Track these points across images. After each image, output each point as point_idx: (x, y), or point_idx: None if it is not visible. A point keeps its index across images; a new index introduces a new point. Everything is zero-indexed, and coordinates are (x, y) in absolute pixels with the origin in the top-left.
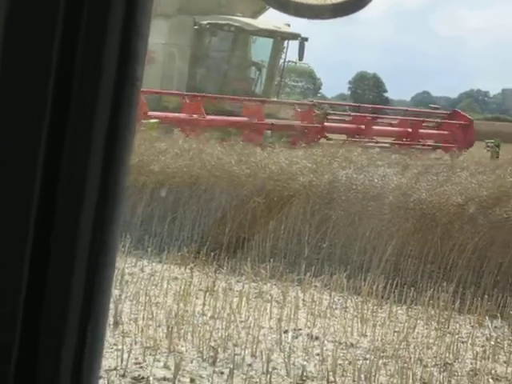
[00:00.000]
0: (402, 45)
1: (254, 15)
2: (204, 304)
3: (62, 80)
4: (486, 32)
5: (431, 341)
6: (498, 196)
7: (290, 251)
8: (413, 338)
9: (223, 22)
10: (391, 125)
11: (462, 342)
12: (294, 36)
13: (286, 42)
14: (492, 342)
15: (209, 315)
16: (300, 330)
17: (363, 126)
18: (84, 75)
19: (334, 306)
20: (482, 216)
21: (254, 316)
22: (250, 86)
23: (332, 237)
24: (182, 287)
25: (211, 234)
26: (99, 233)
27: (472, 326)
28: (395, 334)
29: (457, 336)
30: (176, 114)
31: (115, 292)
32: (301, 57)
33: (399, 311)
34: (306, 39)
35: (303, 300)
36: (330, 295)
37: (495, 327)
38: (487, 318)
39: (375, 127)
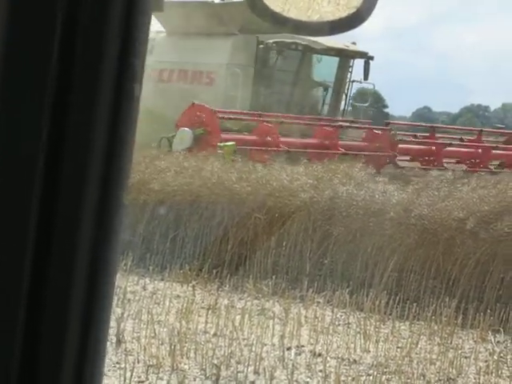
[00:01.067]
0: (401, 61)
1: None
2: (206, 322)
3: (58, 98)
4: (484, 46)
5: (434, 356)
6: None
7: (291, 268)
8: (416, 353)
9: (290, 41)
10: (462, 146)
11: (465, 357)
12: (362, 55)
13: (352, 60)
14: (495, 357)
15: (211, 333)
16: (303, 346)
17: (434, 148)
18: (81, 92)
19: (336, 323)
20: None
21: (257, 333)
22: (316, 107)
23: (334, 253)
24: (185, 305)
25: (213, 251)
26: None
27: (475, 341)
28: (398, 349)
29: (460, 351)
30: (249, 136)
31: (117, 310)
32: (366, 76)
33: (402, 327)
34: (372, 58)
35: (306, 317)
36: (333, 311)
37: (498, 342)
38: (490, 332)
39: (447, 149)
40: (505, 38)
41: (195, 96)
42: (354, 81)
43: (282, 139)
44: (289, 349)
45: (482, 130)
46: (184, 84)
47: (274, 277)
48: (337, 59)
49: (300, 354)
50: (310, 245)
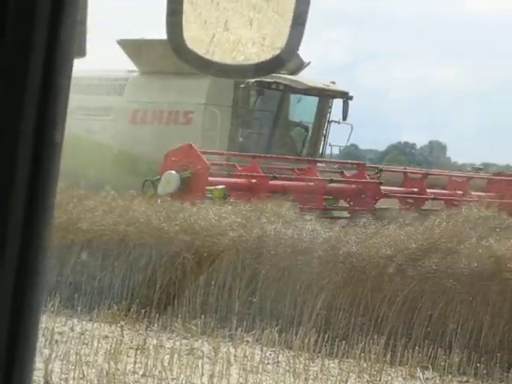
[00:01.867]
0: None
1: (292, 73)
2: (135, 362)
3: None
4: (411, 84)
5: None
6: None
7: (220, 307)
8: None
9: (271, 81)
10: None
11: None
12: (342, 94)
13: (331, 100)
14: None
15: (140, 373)
16: None
17: (416, 189)
18: (1, 138)
19: (266, 361)
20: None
21: (186, 373)
22: (295, 148)
23: (262, 291)
24: (113, 345)
25: (141, 291)
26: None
27: (404, 378)
28: None
29: None
30: (235, 179)
31: (45, 351)
32: (345, 116)
33: (331, 364)
34: (351, 98)
35: (235, 356)
36: (262, 350)
37: (426, 378)
38: (419, 369)
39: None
40: (434, 75)
41: (172, 137)
42: (332, 121)
43: (271, 182)
44: None
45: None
46: (159, 124)
47: (202, 316)
48: (316, 99)
49: None
50: (239, 283)
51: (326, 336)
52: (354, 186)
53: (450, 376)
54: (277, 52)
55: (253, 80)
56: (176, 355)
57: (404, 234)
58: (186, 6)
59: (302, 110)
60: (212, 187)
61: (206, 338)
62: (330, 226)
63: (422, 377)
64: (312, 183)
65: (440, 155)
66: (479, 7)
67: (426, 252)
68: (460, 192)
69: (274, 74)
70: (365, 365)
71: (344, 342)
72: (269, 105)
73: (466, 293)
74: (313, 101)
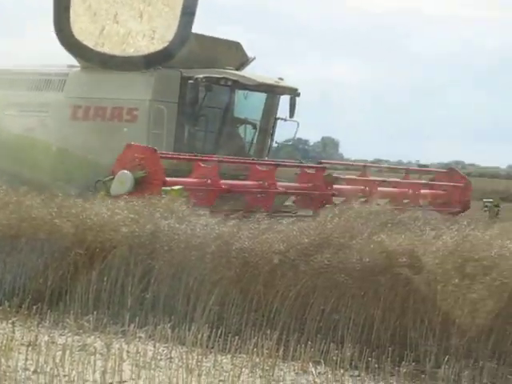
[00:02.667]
0: None
1: (238, 69)
2: (27, 359)
3: None
4: (304, 82)
5: None
6: None
7: (113, 303)
8: None
9: (219, 76)
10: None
11: None
12: (291, 91)
13: (279, 97)
14: None
15: (31, 370)
16: (125, 382)
17: (367, 188)
18: None
19: (158, 357)
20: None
21: (78, 369)
22: (242, 147)
23: (155, 287)
24: (4, 342)
25: (33, 287)
26: None
27: (296, 373)
28: (220, 382)
29: (281, 383)
30: (191, 180)
31: None
32: (292, 113)
33: (224, 360)
34: (299, 94)
35: (127, 352)
36: (155, 346)
37: (319, 373)
38: (311, 364)
39: (380, 189)
40: (327, 73)
41: (116, 134)
42: (278, 118)
43: (223, 181)
44: None
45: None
46: (102, 121)
47: (95, 312)
48: (264, 96)
49: None
50: (132, 279)
51: (219, 332)
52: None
53: (342, 370)
54: (166, 44)
55: (201, 75)
56: (68, 351)
57: (297, 229)
58: None
59: (250, 106)
60: (168, 188)
61: (98, 334)
62: (224, 221)
63: (314, 371)
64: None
65: (333, 151)
66: (375, 9)
67: (318, 247)
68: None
69: (222, 70)
70: (257, 360)
71: (237, 337)
72: (217, 101)
73: (358, 288)
74: (261, 97)
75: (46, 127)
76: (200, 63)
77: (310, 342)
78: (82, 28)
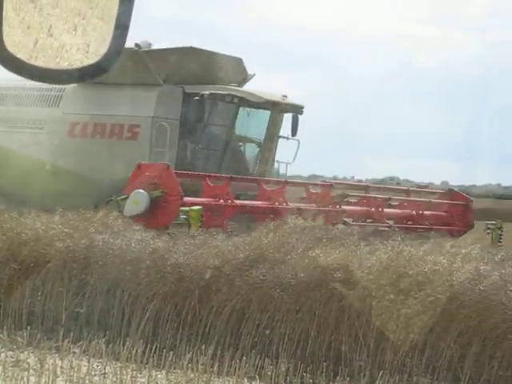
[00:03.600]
0: None
1: (238, 85)
2: None
3: None
4: None
5: None
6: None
7: (47, 318)
8: None
9: (225, 93)
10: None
11: None
12: (297, 108)
13: (283, 115)
14: None
15: None
16: None
17: (373, 209)
18: None
19: (92, 373)
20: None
21: None
22: (246, 165)
23: (90, 302)
24: None
25: None
26: None
27: None
28: None
29: None
30: (208, 199)
31: None
32: (295, 131)
33: (159, 375)
34: (302, 112)
35: (61, 367)
36: (89, 361)
37: None
38: (246, 379)
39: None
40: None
41: (117, 152)
42: (280, 136)
43: (238, 202)
44: None
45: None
46: (101, 139)
47: (28, 327)
48: (268, 113)
49: None
50: (66, 294)
51: (154, 347)
52: None
53: None
54: (100, 57)
55: (207, 92)
56: (1, 367)
57: (232, 244)
58: (8, 11)
59: (253, 124)
60: (187, 208)
61: (31, 350)
62: (159, 236)
63: None
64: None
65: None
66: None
67: (253, 262)
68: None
69: (226, 86)
70: (192, 375)
71: (172, 352)
72: (221, 119)
73: (293, 303)
74: (264, 115)
75: (41, 144)
76: (201, 79)
77: (244, 358)
78: (16, 41)
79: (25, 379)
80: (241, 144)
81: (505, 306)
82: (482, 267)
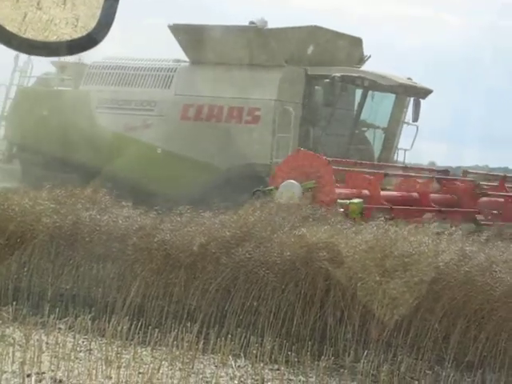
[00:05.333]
0: None
1: (355, 66)
2: None
3: None
4: None
5: (175, 381)
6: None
7: (33, 293)
8: (157, 379)
9: (356, 75)
10: None
11: (206, 382)
12: (428, 92)
13: (409, 99)
14: (236, 382)
15: None
16: (43, 373)
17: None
18: None
19: (78, 349)
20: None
21: None
22: (371, 152)
23: (76, 278)
24: None
25: None
26: None
27: (216, 366)
28: (140, 375)
29: (201, 376)
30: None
31: None
32: (416, 117)
33: (144, 352)
34: (424, 97)
35: (47, 343)
36: (75, 337)
37: (239, 366)
38: (231, 357)
39: None
40: None
41: (235, 137)
42: (404, 122)
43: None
44: (29, 375)
45: None
46: (217, 122)
47: (14, 303)
48: (393, 97)
49: (40, 381)
50: (52, 270)
51: (139, 324)
52: None
53: (261, 364)
54: (89, 31)
55: (338, 74)
56: None
57: (218, 222)
58: None
59: (377, 108)
60: (345, 200)
61: (17, 325)
62: (146, 213)
63: (234, 365)
64: None
65: None
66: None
67: (239, 240)
68: None
69: (354, 68)
70: (177, 353)
71: (157, 330)
72: (348, 102)
73: (279, 281)
74: (389, 99)
75: (150, 127)
76: (322, 60)
77: (230, 336)
78: (5, 14)
79: (10, 354)
80: (365, 129)
81: (490, 287)
82: (467, 248)
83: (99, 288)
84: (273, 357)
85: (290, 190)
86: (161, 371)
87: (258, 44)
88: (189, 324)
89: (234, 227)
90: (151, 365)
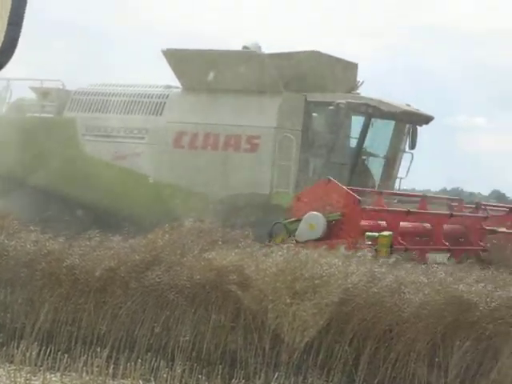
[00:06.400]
0: None
1: (348, 92)
2: None
3: None
4: None
5: None
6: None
7: None
8: None
9: (360, 102)
10: None
11: None
12: (429, 119)
13: (409, 126)
14: None
15: None
16: None
17: None
18: None
19: None
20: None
21: None
22: (373, 181)
23: None
24: None
25: None
26: None
27: None
28: None
29: None
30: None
31: None
32: (413, 145)
33: (53, 378)
34: (421, 124)
35: None
36: None
37: None
38: (141, 382)
39: None
40: None
41: (233, 166)
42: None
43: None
44: None
45: None
46: (214, 151)
47: None
48: (392, 124)
49: None
50: None
51: (49, 350)
52: None
53: None
54: None
55: (343, 101)
56: None
57: (128, 246)
58: None
59: (377, 136)
60: (373, 233)
61: None
62: (55, 237)
63: None
64: None
65: None
66: None
67: (149, 264)
68: None
69: (356, 95)
70: (87, 378)
71: (66, 355)
72: (352, 129)
73: (189, 305)
74: (389, 125)
75: (141, 155)
76: (320, 86)
77: (140, 360)
78: None
79: None
80: (365, 157)
81: (398, 308)
82: (376, 269)
83: (7, 313)
84: (183, 381)
85: (312, 222)
86: None
87: (256, 69)
88: (98, 349)
89: (144, 251)
90: None
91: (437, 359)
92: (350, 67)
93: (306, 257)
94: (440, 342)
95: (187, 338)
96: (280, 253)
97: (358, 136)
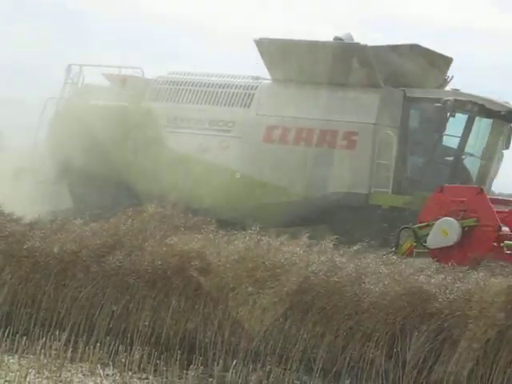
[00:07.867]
0: None
1: (439, 88)
2: None
3: None
4: None
5: None
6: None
7: None
8: None
9: (466, 100)
10: None
11: None
12: None
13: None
14: None
15: None
16: None
17: None
18: None
19: None
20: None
21: None
22: (472, 182)
23: None
24: None
25: None
26: None
27: (84, 375)
28: (6, 383)
29: None
30: None
31: None
32: (508, 144)
33: (11, 360)
34: None
35: None
36: None
37: (107, 375)
38: (99, 366)
39: None
40: None
41: (327, 163)
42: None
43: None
44: None
45: None
46: (307, 147)
47: None
48: (490, 122)
49: None
50: None
51: (7, 332)
52: None
53: (130, 373)
54: None
55: (451, 98)
56: None
57: (89, 230)
58: None
59: (476, 135)
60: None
61: None
62: (16, 220)
63: (102, 373)
64: None
65: None
66: None
67: (110, 248)
68: None
69: (460, 92)
70: (45, 361)
71: (25, 337)
72: (455, 128)
73: (149, 290)
74: (486, 124)
75: (227, 149)
76: (415, 80)
77: (98, 344)
78: None
79: None
80: (464, 157)
81: (358, 298)
82: (337, 259)
83: None
84: (141, 366)
85: (445, 228)
86: (28, 379)
87: (357, 62)
88: (57, 332)
89: (105, 235)
90: (18, 373)
91: (395, 349)
92: (447, 62)
93: (268, 245)
94: (398, 332)
95: (146, 323)
96: (242, 240)
97: (460, 135)
